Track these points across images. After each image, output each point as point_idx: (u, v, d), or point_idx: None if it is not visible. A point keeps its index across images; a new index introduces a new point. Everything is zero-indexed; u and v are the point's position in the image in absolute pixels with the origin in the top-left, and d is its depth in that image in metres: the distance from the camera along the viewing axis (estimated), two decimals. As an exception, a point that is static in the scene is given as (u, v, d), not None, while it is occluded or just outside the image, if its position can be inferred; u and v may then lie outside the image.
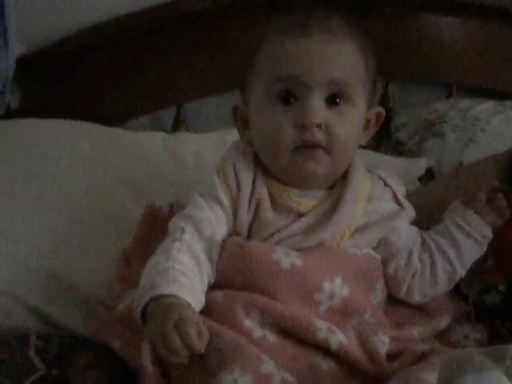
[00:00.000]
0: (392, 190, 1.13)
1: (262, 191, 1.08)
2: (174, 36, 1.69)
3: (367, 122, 1.13)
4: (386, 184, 1.13)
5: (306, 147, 1.06)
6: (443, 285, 1.12)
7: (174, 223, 1.08)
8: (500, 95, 1.77)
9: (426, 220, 1.19)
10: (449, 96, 1.81)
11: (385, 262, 1.12)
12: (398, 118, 1.75)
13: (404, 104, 1.79)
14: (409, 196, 1.17)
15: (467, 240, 1.11)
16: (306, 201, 1.09)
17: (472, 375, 0.73)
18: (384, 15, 1.72)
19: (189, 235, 1.05)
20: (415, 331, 1.08)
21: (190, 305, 0.97)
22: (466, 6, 1.73)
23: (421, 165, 1.54)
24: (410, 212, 1.14)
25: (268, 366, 0.95)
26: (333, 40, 1.06)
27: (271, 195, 1.09)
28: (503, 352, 0.75)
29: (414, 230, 1.14)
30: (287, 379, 0.95)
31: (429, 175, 1.55)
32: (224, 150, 1.16)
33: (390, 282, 1.12)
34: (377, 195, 1.12)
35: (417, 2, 1.73)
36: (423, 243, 1.13)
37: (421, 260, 1.11)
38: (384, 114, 1.16)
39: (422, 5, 1.75)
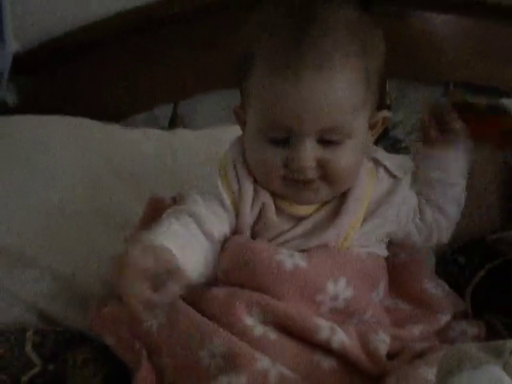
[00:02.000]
0: (382, 164, 1.11)
1: (266, 194, 1.07)
2: (170, 33, 1.69)
3: (375, 123, 1.09)
4: (376, 162, 1.12)
5: (294, 180, 1.04)
6: (454, 215, 1.14)
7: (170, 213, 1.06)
8: (497, 94, 1.77)
9: None
10: (445, 95, 1.81)
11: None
12: (396, 115, 1.75)
13: (401, 102, 1.79)
14: None
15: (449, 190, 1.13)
16: (307, 207, 1.08)
17: (470, 370, 0.73)
18: (381, 13, 1.72)
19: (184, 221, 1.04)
20: (416, 330, 1.07)
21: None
22: (464, 4, 1.73)
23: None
24: (407, 180, 1.13)
25: (263, 362, 0.95)
26: (327, 74, 0.98)
27: (274, 199, 1.07)
28: (502, 347, 0.75)
29: (411, 199, 1.13)
30: (283, 373, 0.95)
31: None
32: (225, 148, 1.14)
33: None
34: (372, 179, 1.10)
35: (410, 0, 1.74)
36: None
37: (423, 215, 1.13)
38: (390, 118, 1.13)
39: (419, 2, 1.75)
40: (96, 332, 1.08)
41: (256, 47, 1.02)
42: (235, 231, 1.08)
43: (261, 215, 1.07)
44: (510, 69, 1.77)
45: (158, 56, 1.70)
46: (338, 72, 0.99)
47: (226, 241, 1.07)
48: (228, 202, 1.07)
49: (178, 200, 1.22)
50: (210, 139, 1.51)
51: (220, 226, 1.06)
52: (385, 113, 1.11)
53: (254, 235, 1.07)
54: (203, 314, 1.01)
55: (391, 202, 1.09)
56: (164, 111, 1.74)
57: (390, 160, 1.13)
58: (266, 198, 1.07)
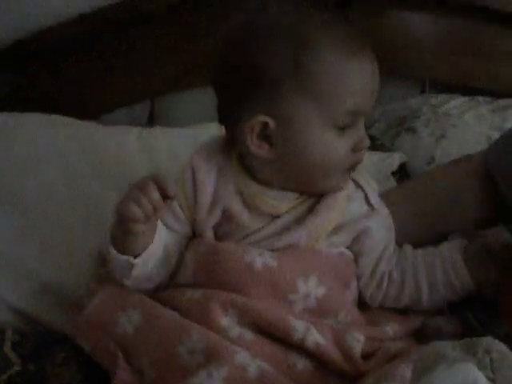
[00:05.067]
0: (364, 191, 1.11)
1: (230, 196, 1.07)
2: (149, 30, 1.69)
3: None
4: (357, 185, 1.11)
5: (354, 166, 1.06)
6: (405, 305, 1.12)
7: None
8: (473, 91, 1.79)
9: (407, 224, 1.19)
10: (422, 92, 1.83)
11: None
12: (372, 113, 1.76)
13: (377, 99, 1.80)
14: (385, 195, 1.16)
15: (446, 284, 1.08)
16: (281, 204, 1.07)
17: (445, 368, 0.74)
18: (360, 10, 1.73)
19: None
20: (390, 330, 1.08)
21: None
22: (441, 3, 1.75)
23: (394, 160, 1.55)
24: (382, 214, 1.11)
25: (242, 356, 0.95)
26: (374, 61, 1.04)
27: (243, 199, 1.07)
28: (476, 345, 0.76)
29: (387, 237, 1.12)
30: (264, 367, 0.96)
31: (402, 170, 1.57)
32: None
33: None
34: (349, 197, 1.10)
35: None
36: (402, 263, 1.11)
37: (391, 278, 1.10)
38: None
39: (395, 1, 1.76)
40: (73, 338, 1.07)
41: (314, 47, 0.99)
42: (196, 234, 1.09)
43: (224, 219, 1.07)
44: (485, 67, 1.79)
45: (135, 53, 1.70)
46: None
47: (187, 245, 1.08)
48: (180, 211, 1.08)
49: None
50: (188, 138, 1.51)
51: (170, 236, 1.08)
52: None
53: (222, 237, 1.07)
54: (179, 315, 1.01)
55: (361, 226, 1.09)
56: (142, 108, 1.74)
57: (372, 188, 1.12)
58: (230, 201, 1.06)
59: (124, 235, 1.00)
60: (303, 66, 0.99)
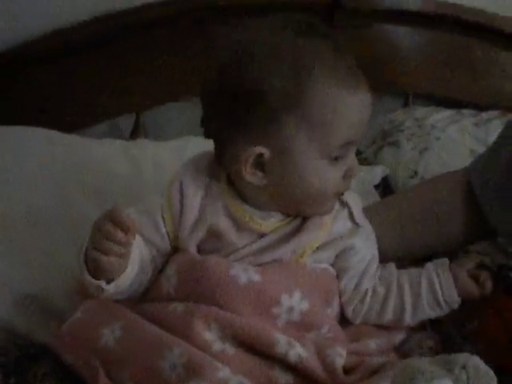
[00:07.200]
0: (349, 209, 1.12)
1: (217, 214, 1.07)
2: (132, 43, 1.69)
3: None
4: (342, 203, 1.12)
5: (342, 193, 1.08)
6: (388, 321, 1.12)
7: None
8: (456, 104, 1.80)
9: (387, 234, 1.20)
10: (405, 105, 1.83)
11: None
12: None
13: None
14: (367, 208, 1.17)
15: (430, 300, 1.10)
16: (269, 223, 1.08)
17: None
18: (343, 25, 1.74)
19: None
20: (373, 344, 1.08)
21: None
22: (421, 16, 1.76)
23: (377, 173, 1.56)
24: (367, 231, 1.13)
25: (224, 372, 0.95)
26: (369, 93, 1.03)
27: (232, 217, 1.07)
28: (453, 361, 0.76)
29: (371, 254, 1.13)
30: (245, 383, 0.95)
31: (384, 183, 1.57)
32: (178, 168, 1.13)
33: None
34: (333, 215, 1.10)
35: (372, 12, 1.75)
36: (386, 278, 1.12)
37: (375, 292, 1.11)
38: None
39: (381, 15, 1.77)
40: (56, 351, 1.06)
41: (314, 79, 0.98)
42: (176, 249, 1.09)
43: (210, 236, 1.07)
44: (469, 81, 1.80)
45: (119, 66, 1.70)
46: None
47: (169, 258, 1.08)
48: (162, 224, 1.08)
49: None
50: (173, 150, 1.51)
51: (149, 250, 1.08)
52: None
53: (204, 254, 1.07)
54: (161, 328, 1.01)
55: (346, 243, 1.10)
56: (125, 121, 1.74)
57: (357, 205, 1.13)
58: (217, 219, 1.06)
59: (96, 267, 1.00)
60: (303, 98, 0.98)
